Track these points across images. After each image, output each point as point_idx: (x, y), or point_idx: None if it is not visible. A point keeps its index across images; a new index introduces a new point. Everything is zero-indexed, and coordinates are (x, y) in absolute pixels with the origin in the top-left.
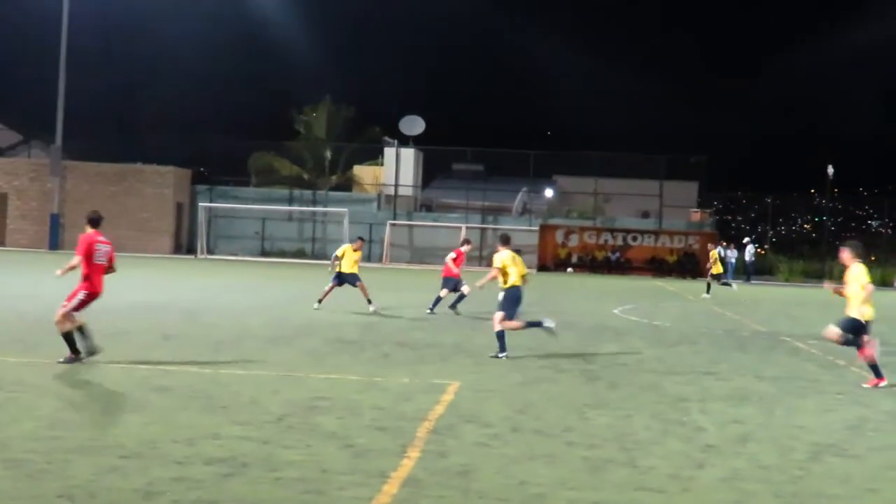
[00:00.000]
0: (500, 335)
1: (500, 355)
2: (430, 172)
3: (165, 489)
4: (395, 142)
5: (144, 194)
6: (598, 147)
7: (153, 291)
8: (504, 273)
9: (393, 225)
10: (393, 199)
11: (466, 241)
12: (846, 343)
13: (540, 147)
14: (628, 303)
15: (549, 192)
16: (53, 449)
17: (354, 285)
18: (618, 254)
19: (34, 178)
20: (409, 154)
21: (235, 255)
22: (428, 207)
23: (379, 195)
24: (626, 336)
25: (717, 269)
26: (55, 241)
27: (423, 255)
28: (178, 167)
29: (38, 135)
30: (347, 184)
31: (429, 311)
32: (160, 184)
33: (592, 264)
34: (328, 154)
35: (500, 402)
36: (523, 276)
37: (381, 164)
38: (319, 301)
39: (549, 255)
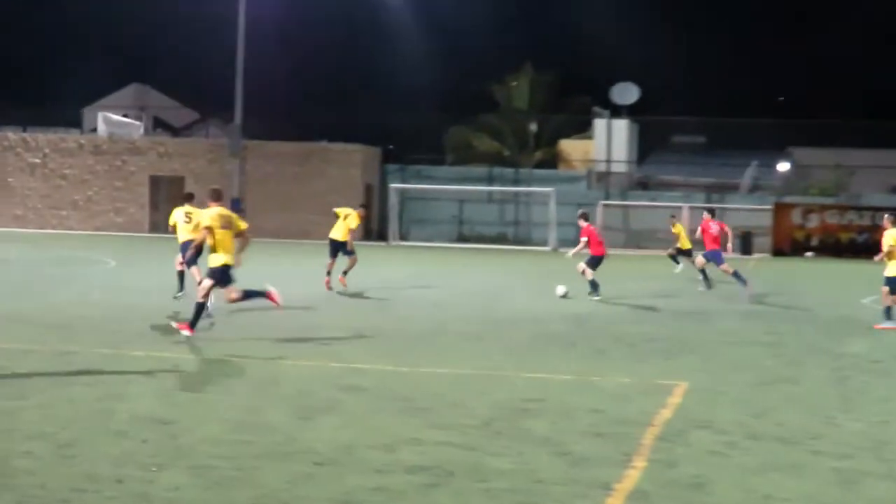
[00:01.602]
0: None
1: None
2: (647, 146)
3: (364, 499)
4: (607, 112)
5: (330, 175)
6: (837, 113)
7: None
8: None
9: (605, 206)
10: (605, 177)
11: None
12: None
13: (771, 115)
14: (879, 292)
15: (783, 166)
16: (241, 454)
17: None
18: (865, 235)
19: (212, 160)
20: (621, 126)
21: (430, 240)
22: (644, 185)
23: (589, 172)
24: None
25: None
26: None
27: (639, 238)
28: (367, 145)
29: (215, 112)
30: (553, 160)
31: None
32: (348, 164)
33: (836, 248)
34: (532, 128)
35: (733, 405)
36: None
37: (591, 138)
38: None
39: (785, 238)
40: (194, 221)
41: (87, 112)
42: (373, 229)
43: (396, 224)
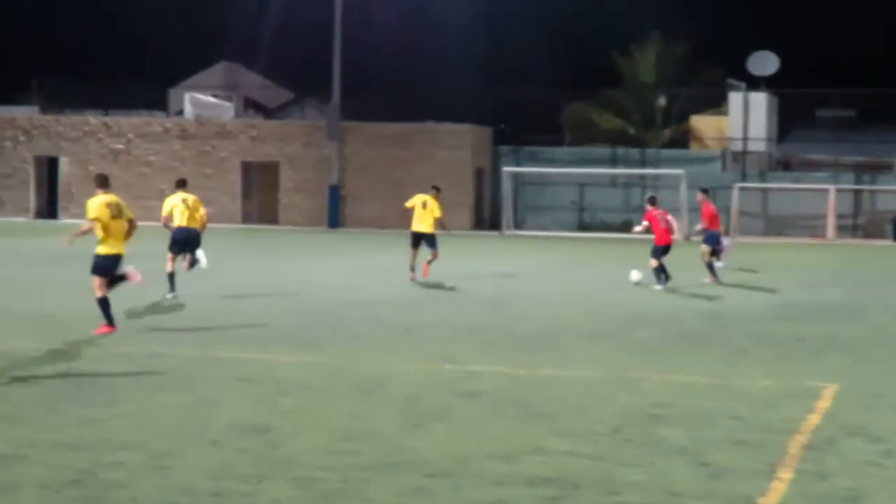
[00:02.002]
0: None
1: None
2: (788, 122)
3: None
4: (743, 85)
5: (437, 159)
6: None
7: (452, 276)
8: None
9: (742, 188)
10: (741, 157)
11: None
12: None
13: None
14: None
15: None
16: (349, 465)
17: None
18: None
19: (308, 144)
20: (759, 99)
21: (547, 229)
22: (786, 165)
23: (723, 152)
24: None
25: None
26: (335, 218)
27: (780, 225)
28: (477, 125)
29: (311, 92)
30: (683, 139)
31: None
32: (456, 146)
33: None
34: (661, 102)
35: (891, 410)
36: None
37: (726, 114)
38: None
39: None
40: (192, 208)
41: (172, 93)
42: (484, 218)
43: (510, 211)
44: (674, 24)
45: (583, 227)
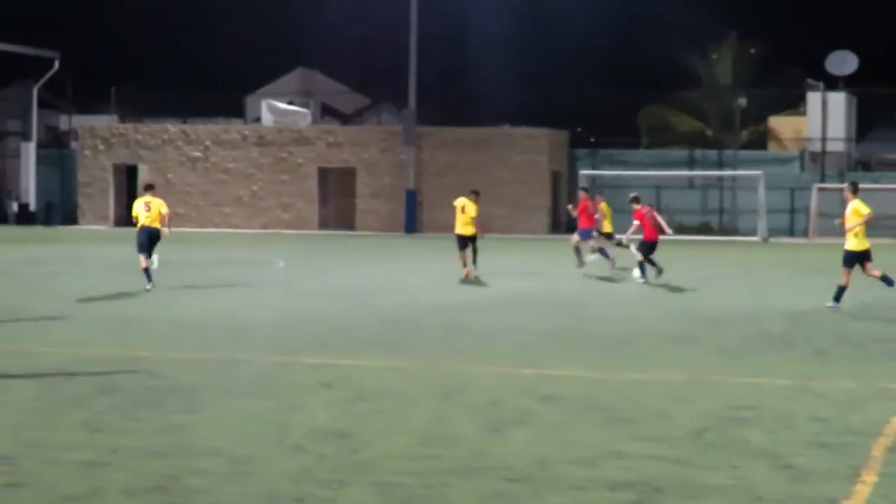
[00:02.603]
0: None
1: None
2: (867, 121)
3: None
4: (821, 84)
5: (514, 162)
6: None
7: (530, 280)
8: None
9: (821, 189)
10: (820, 157)
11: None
12: None
13: None
14: None
15: None
16: (429, 470)
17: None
18: None
19: (385, 149)
20: (838, 99)
21: (625, 231)
22: (865, 166)
23: (802, 153)
24: None
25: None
26: (412, 223)
27: None
28: (554, 129)
29: (387, 97)
30: (761, 140)
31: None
32: (532, 149)
33: None
34: (742, 103)
35: None
36: None
37: (804, 114)
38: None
39: None
40: (153, 210)
41: (250, 100)
42: (561, 221)
43: None
44: (751, 24)
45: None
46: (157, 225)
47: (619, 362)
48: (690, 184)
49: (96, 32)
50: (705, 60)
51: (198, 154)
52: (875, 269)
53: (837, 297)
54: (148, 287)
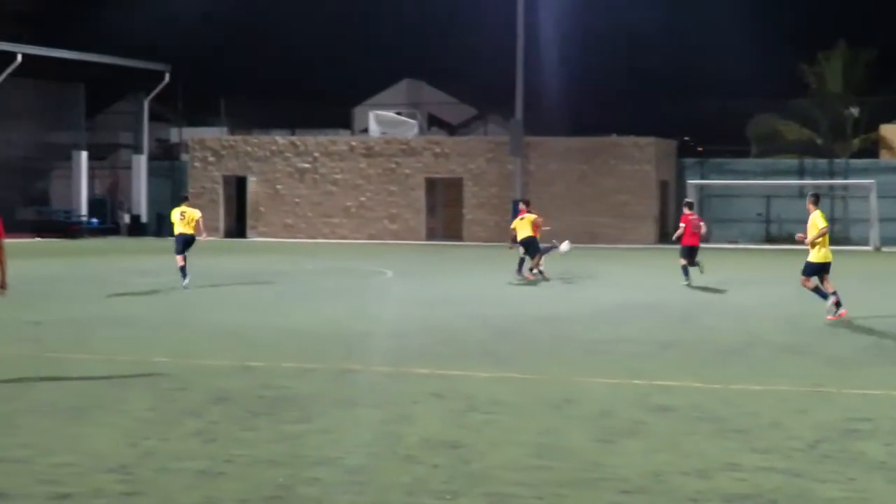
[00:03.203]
0: None
1: None
2: None
3: None
4: None
5: (621, 172)
6: None
7: (638, 290)
8: None
9: None
10: None
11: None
12: None
13: None
14: None
15: None
16: (543, 482)
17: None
18: None
19: (492, 160)
20: None
21: (735, 241)
22: None
23: None
24: None
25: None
26: None
27: None
28: (661, 138)
29: (494, 108)
30: (873, 148)
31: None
32: (640, 159)
33: None
34: (853, 112)
35: None
36: None
37: None
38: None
39: None
40: (187, 218)
41: (357, 111)
42: (669, 231)
43: None
44: (861, 31)
45: (769, 239)
46: (191, 231)
47: (731, 373)
48: (800, 193)
49: (206, 45)
50: (815, 68)
51: (306, 165)
52: (829, 283)
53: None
54: (185, 284)
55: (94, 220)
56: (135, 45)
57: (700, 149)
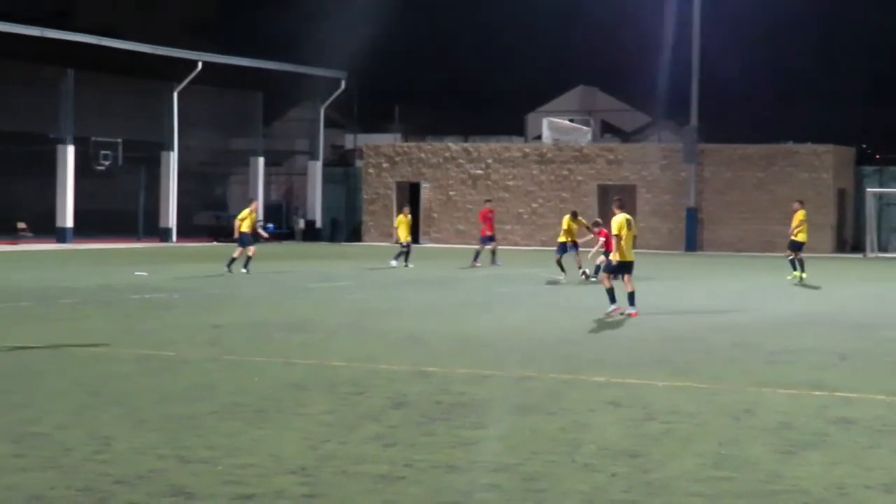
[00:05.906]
0: None
1: None
2: None
3: None
4: None
5: (798, 180)
6: None
7: (817, 299)
8: None
9: None
10: None
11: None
12: None
13: None
14: None
15: None
16: (723, 493)
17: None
18: None
19: (665, 167)
20: None
21: None
22: None
23: None
24: None
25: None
26: (692, 241)
27: None
28: (839, 145)
29: (668, 115)
30: None
31: None
32: (817, 167)
33: None
34: None
35: None
36: None
37: None
38: None
39: None
40: (248, 220)
41: (531, 118)
42: (847, 240)
43: (874, 233)
44: None
45: None
46: (247, 230)
47: None
48: None
49: (380, 52)
50: None
51: (479, 172)
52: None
53: None
54: (244, 270)
55: (270, 226)
56: (311, 53)
57: (878, 156)
